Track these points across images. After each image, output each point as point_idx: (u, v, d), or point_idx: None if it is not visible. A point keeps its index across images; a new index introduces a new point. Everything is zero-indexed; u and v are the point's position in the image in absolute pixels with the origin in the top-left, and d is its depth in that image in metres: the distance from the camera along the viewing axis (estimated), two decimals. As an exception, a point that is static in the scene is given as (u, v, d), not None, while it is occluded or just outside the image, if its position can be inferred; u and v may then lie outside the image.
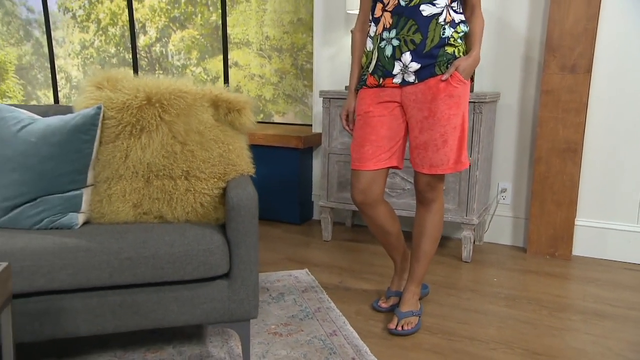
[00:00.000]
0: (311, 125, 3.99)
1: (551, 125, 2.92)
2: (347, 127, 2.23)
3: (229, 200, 1.75)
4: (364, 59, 2.15)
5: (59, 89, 5.12)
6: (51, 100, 5.16)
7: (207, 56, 4.50)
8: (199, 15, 4.45)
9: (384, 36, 2.02)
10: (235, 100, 1.99)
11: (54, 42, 5.01)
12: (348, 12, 3.25)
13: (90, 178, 1.89)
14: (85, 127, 1.84)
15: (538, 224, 3.04)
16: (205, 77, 4.54)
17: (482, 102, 2.75)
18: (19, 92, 5.30)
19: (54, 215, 1.81)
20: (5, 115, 1.91)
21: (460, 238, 3.30)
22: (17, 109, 1.97)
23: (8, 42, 5.20)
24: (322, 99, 3.19)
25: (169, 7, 4.55)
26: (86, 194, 1.88)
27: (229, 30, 4.32)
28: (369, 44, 2.10)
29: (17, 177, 1.82)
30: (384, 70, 2.04)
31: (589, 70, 2.82)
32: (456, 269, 2.84)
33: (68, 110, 2.14)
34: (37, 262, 1.61)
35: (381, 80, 2.05)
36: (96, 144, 1.87)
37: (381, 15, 2.03)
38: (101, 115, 1.87)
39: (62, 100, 5.11)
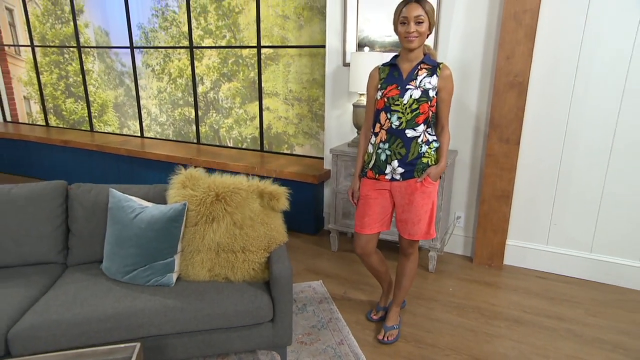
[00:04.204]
0: (322, 158, 4.08)
1: (492, 178, 3.03)
2: (352, 201, 2.33)
3: (273, 272, 1.90)
4: (366, 157, 2.23)
5: (143, 120, 5.22)
6: (137, 128, 5.26)
7: (247, 101, 4.57)
8: (241, 72, 4.51)
9: (380, 146, 2.12)
10: (275, 191, 2.10)
11: (139, 88, 5.09)
12: (350, 90, 3.31)
13: (179, 248, 2.03)
14: (176, 217, 1.98)
15: (481, 244, 3.18)
16: (246, 116, 4.62)
17: (443, 166, 2.85)
18: (116, 122, 5.42)
19: (157, 276, 1.98)
20: (124, 205, 2.04)
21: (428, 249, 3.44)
22: (131, 197, 2.09)
23: (108, 86, 5.32)
24: (331, 154, 3.29)
25: (220, 66, 4.61)
26: (177, 259, 2.03)
27: (263, 84, 4.39)
28: (370, 148, 2.19)
29: (134, 251, 1.97)
30: (379, 169, 2.15)
31: (517, 143, 2.90)
32: (424, 279, 2.97)
33: (162, 192, 2.23)
34: (151, 319, 1.79)
35: (377, 175, 2.16)
36: (183, 227, 2.01)
37: (379, 131, 2.12)
38: (186, 209, 2.00)
39: (145, 129, 5.22)
